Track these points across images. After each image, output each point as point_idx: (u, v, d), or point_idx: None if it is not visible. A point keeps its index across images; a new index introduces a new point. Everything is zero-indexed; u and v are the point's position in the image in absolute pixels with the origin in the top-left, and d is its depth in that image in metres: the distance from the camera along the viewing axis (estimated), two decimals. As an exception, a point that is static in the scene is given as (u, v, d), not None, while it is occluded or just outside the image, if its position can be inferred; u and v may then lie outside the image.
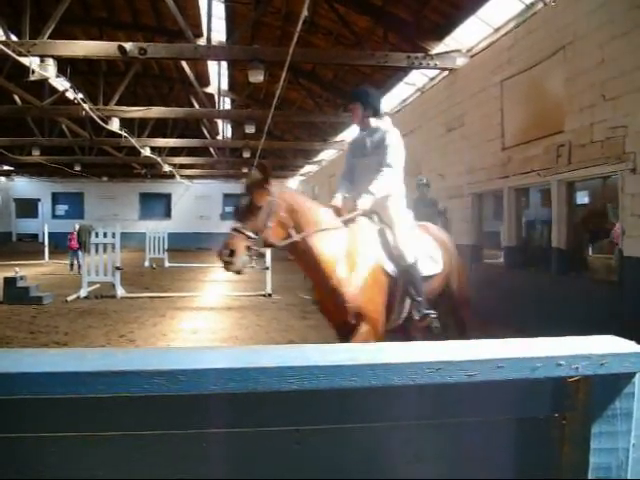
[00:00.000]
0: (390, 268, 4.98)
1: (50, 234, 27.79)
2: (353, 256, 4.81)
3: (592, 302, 8.36)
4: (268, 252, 14.79)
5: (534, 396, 1.42)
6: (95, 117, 17.07)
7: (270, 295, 14.45)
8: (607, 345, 1.41)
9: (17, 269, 14.18)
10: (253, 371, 1.19)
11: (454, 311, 6.30)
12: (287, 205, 4.64)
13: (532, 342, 1.43)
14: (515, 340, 1.44)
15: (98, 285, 14.73)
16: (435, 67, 13.14)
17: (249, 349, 1.45)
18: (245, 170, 32.02)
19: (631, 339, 1.51)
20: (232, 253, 4.37)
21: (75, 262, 21.19)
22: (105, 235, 14.59)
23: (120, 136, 20.95)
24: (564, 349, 1.35)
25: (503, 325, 9.61)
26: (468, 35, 12.75)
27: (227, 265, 4.44)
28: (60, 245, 23.17)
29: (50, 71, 11.81)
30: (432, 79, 15.24)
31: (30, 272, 18.19)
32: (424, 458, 1.42)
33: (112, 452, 1.30)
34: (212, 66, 20.40)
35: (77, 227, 21.78)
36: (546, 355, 1.31)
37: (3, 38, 11.64)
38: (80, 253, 20.84)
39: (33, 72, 11.67)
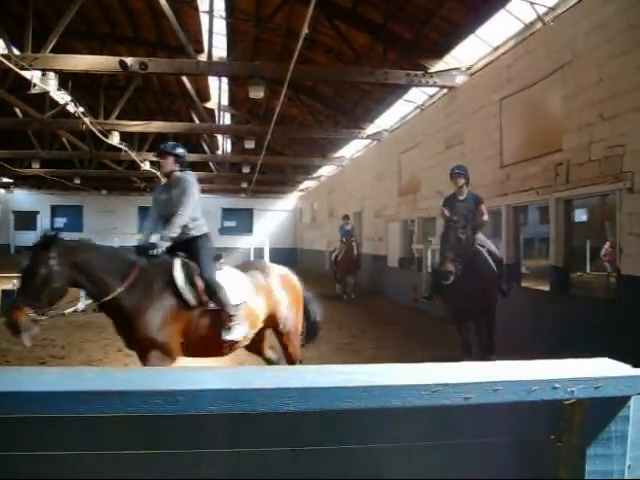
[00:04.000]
0: None
1: (49, 247, 27.67)
2: None
3: (589, 320, 8.36)
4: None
5: (530, 418, 1.42)
6: (95, 131, 17.13)
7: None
8: (602, 368, 1.41)
9: (15, 282, 14.14)
10: (250, 392, 1.19)
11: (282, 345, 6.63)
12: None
13: (528, 365, 1.43)
14: (511, 363, 1.45)
15: (96, 299, 14.66)
16: (434, 85, 13.22)
17: (247, 370, 1.46)
18: (244, 185, 32.08)
19: (628, 357, 1.52)
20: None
21: None
22: (104, 249, 14.54)
23: (120, 150, 21.02)
24: (560, 372, 1.35)
25: (502, 344, 9.59)
26: (467, 53, 12.83)
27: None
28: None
29: (51, 85, 11.87)
30: (432, 97, 15.32)
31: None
32: (420, 480, 1.42)
33: (110, 471, 1.30)
34: (213, 81, 20.48)
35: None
36: (542, 378, 1.31)
37: (5, 52, 11.70)
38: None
39: (34, 85, 11.73)
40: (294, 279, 6.57)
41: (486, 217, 8.13)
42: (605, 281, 15.65)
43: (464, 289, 7.32)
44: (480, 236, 8.04)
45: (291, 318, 6.30)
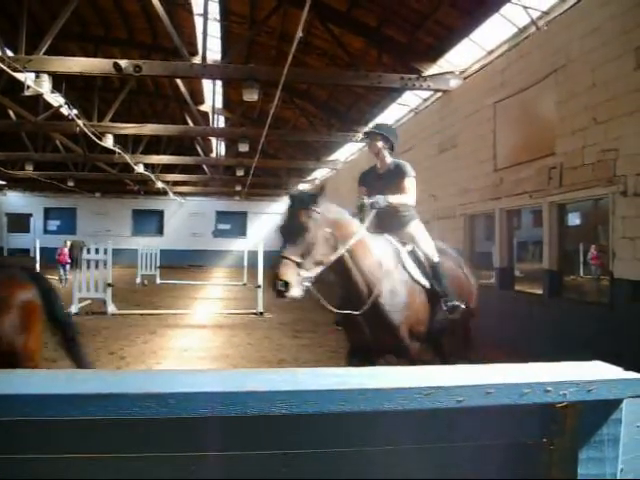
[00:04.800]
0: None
1: (42, 249, 27.65)
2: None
3: (582, 323, 8.38)
4: (260, 271, 14.79)
5: (522, 421, 1.42)
6: (89, 133, 17.11)
7: (262, 314, 14.40)
8: (595, 371, 1.42)
9: None
10: (243, 395, 1.19)
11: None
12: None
13: (520, 368, 1.43)
14: (504, 365, 1.45)
15: (89, 301, 14.66)
16: (428, 88, 13.24)
17: (239, 372, 1.45)
18: (238, 188, 32.12)
19: (621, 360, 1.52)
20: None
21: (62, 275, 21.61)
22: (97, 251, 14.55)
23: (114, 152, 21.00)
24: (552, 375, 1.35)
25: (496, 348, 9.61)
26: (461, 57, 12.88)
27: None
28: (52, 260, 23.27)
29: (45, 87, 11.85)
30: (425, 100, 15.36)
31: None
32: (413, 483, 1.42)
33: (102, 474, 1.30)
34: (207, 84, 20.49)
35: (68, 243, 22.08)
36: (534, 381, 1.31)
37: (-1, 54, 11.67)
38: (67, 267, 21.00)
39: (28, 87, 11.70)
40: (17, 282, 5.12)
41: (407, 199, 5.45)
42: (597, 284, 15.70)
43: (353, 316, 4.83)
44: (412, 226, 5.66)
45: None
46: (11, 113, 18.18)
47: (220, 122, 24.76)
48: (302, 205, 4.54)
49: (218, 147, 27.48)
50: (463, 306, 5.43)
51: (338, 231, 4.62)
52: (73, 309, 13.92)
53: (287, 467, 1.34)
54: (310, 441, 1.32)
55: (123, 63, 11.81)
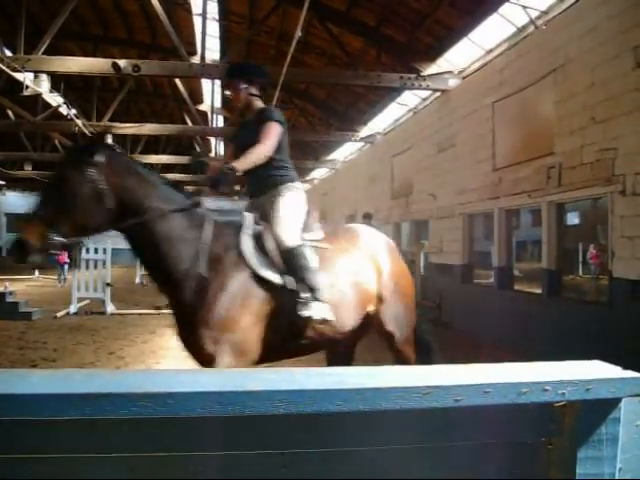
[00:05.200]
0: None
1: (41, 249, 27.58)
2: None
3: (581, 322, 8.38)
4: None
5: (521, 421, 1.42)
6: (88, 133, 17.10)
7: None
8: (593, 370, 1.42)
9: (7, 284, 14.11)
10: (241, 395, 1.19)
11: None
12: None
13: (519, 367, 1.43)
14: (502, 365, 1.45)
15: (88, 301, 14.64)
16: (427, 88, 13.24)
17: (237, 372, 1.45)
18: (237, 188, 32.11)
19: (620, 359, 1.52)
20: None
21: (61, 275, 21.65)
22: (96, 251, 14.51)
23: (113, 152, 20.99)
24: (550, 374, 1.35)
25: (494, 347, 9.62)
26: (460, 57, 12.87)
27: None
28: (51, 260, 23.38)
29: (44, 86, 11.86)
30: (424, 100, 15.35)
31: (19, 287, 18.07)
32: (411, 482, 1.42)
33: (101, 474, 1.30)
34: (205, 84, 20.48)
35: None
36: (532, 380, 1.31)
37: (-3, 54, 11.67)
38: (66, 267, 21.02)
39: (27, 87, 11.70)
40: None
41: (260, 150, 3.88)
42: (596, 284, 15.77)
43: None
44: (279, 192, 4.25)
45: None
46: (10, 113, 18.17)
47: (219, 122, 24.74)
48: (72, 152, 3.51)
49: (217, 147, 27.45)
50: (328, 317, 3.72)
51: (126, 195, 3.41)
52: (72, 308, 13.92)
53: (286, 467, 1.34)
54: (309, 441, 1.32)
55: (122, 63, 11.80)
